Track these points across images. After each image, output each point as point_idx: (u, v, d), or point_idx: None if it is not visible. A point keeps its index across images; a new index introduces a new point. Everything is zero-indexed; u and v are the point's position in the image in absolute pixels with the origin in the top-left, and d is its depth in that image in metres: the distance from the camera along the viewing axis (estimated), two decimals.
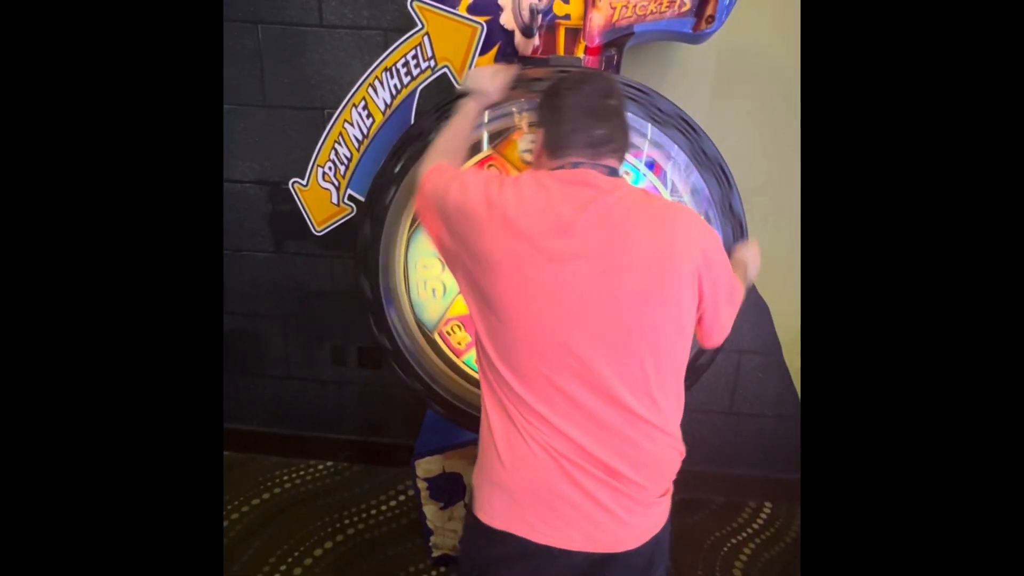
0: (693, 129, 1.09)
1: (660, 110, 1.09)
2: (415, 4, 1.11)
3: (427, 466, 1.40)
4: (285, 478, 1.89)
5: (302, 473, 1.91)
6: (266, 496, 1.81)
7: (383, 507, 1.80)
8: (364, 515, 1.77)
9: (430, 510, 1.45)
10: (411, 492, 1.80)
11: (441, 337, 1.24)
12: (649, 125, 1.10)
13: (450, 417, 1.26)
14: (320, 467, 1.94)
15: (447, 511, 1.46)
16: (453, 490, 1.43)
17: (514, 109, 1.11)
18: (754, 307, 1.61)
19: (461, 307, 1.22)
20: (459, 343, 1.25)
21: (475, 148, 1.13)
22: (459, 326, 1.24)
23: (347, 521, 1.74)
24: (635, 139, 1.13)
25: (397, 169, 1.11)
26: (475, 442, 1.36)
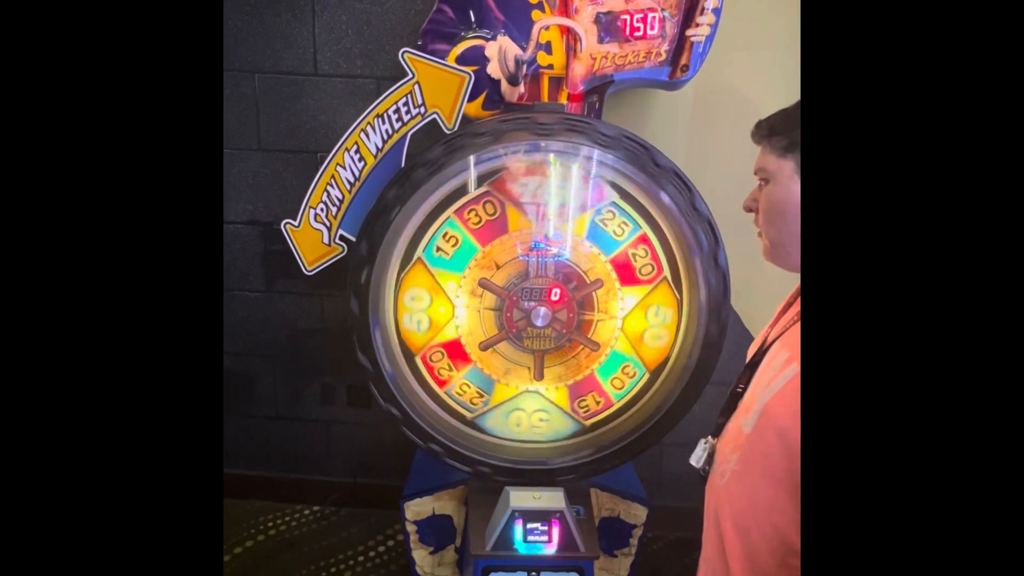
0: (686, 185, 1.14)
1: (657, 164, 1.14)
2: (406, 55, 1.17)
3: (416, 508, 1.37)
4: (270, 524, 1.83)
5: (287, 519, 1.86)
6: (249, 544, 1.75)
7: (371, 552, 1.74)
8: (351, 561, 1.71)
9: (419, 555, 1.41)
10: (400, 536, 1.75)
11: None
12: (645, 177, 1.14)
13: (426, 447, 1.24)
14: (307, 511, 1.88)
15: (437, 555, 1.41)
16: (443, 533, 1.40)
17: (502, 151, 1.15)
18: (741, 340, 1.63)
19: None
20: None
21: (461, 191, 1.17)
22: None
23: (333, 569, 1.68)
24: (632, 190, 1.17)
25: (393, 196, 1.14)
26: (466, 481, 1.35)
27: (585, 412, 1.28)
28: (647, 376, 1.26)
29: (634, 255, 1.21)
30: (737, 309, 1.59)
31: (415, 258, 1.19)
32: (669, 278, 1.21)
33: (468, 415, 1.27)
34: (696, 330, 1.21)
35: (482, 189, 1.17)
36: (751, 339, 1.07)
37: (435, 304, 1.22)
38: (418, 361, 1.24)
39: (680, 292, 1.21)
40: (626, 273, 1.21)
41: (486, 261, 1.20)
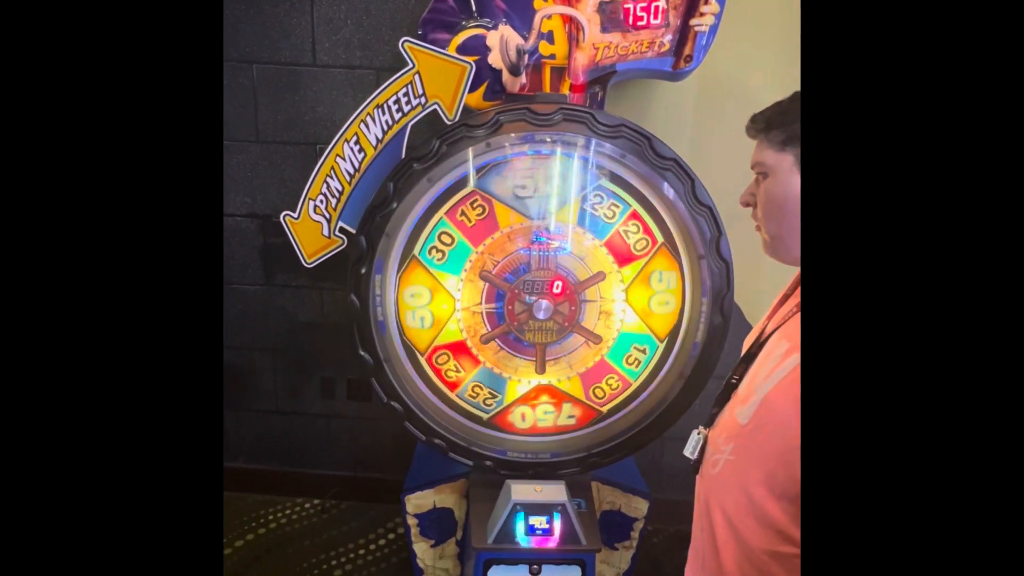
0: (687, 174, 1.13)
1: (658, 154, 1.12)
2: (406, 45, 1.16)
3: (417, 501, 1.36)
4: (270, 517, 1.83)
5: (288, 512, 1.86)
6: (250, 537, 1.75)
7: (371, 546, 1.75)
8: (352, 555, 1.71)
9: (420, 548, 1.41)
10: (401, 529, 1.75)
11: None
12: (647, 168, 1.13)
13: (429, 441, 1.24)
14: (307, 505, 1.88)
15: (438, 548, 1.41)
16: (444, 526, 1.40)
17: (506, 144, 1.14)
18: (744, 333, 1.62)
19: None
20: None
21: (461, 184, 1.16)
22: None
23: (334, 562, 1.68)
24: (632, 180, 1.16)
25: (393, 187, 1.12)
26: (467, 475, 1.35)
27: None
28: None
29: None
30: (738, 302, 1.58)
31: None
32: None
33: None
34: (699, 321, 1.20)
35: (468, 188, 1.15)
36: None
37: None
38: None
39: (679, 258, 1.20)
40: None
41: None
